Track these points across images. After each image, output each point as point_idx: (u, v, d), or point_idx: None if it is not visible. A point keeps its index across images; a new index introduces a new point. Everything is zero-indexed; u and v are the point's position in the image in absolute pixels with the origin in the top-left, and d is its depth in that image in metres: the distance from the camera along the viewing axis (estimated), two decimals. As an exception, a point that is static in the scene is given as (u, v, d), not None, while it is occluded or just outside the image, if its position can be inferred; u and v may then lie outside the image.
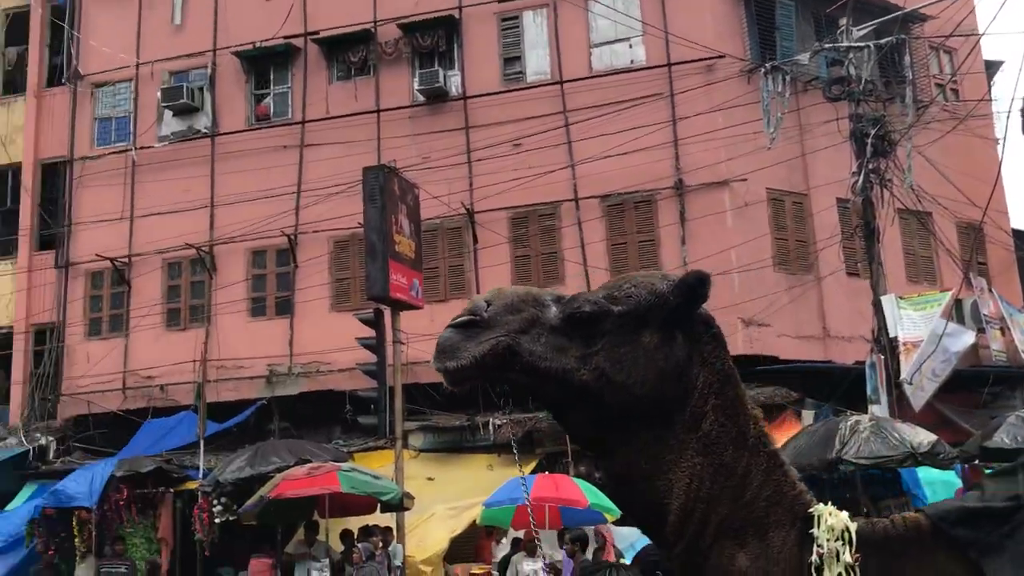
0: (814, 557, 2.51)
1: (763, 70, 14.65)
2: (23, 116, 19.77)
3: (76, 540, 13.40)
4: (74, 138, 19.23)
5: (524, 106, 16.51)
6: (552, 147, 16.11)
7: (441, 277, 16.57)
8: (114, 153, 18.91)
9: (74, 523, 13.42)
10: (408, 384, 13.97)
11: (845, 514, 2.58)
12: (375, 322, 13.08)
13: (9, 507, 15.44)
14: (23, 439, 17.44)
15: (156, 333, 17.89)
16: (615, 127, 15.49)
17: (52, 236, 19.24)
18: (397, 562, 11.51)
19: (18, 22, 20.43)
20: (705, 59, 15.77)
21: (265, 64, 18.55)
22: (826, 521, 2.55)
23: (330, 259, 17.31)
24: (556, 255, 16.31)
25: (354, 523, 12.03)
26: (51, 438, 17.65)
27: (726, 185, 15.51)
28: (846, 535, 2.52)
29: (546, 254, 16.43)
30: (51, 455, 17.34)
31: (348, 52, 17.78)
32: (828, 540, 2.53)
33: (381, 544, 11.38)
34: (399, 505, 11.58)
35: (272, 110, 18.48)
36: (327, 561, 11.48)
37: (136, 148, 18.68)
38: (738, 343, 13.96)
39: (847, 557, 2.49)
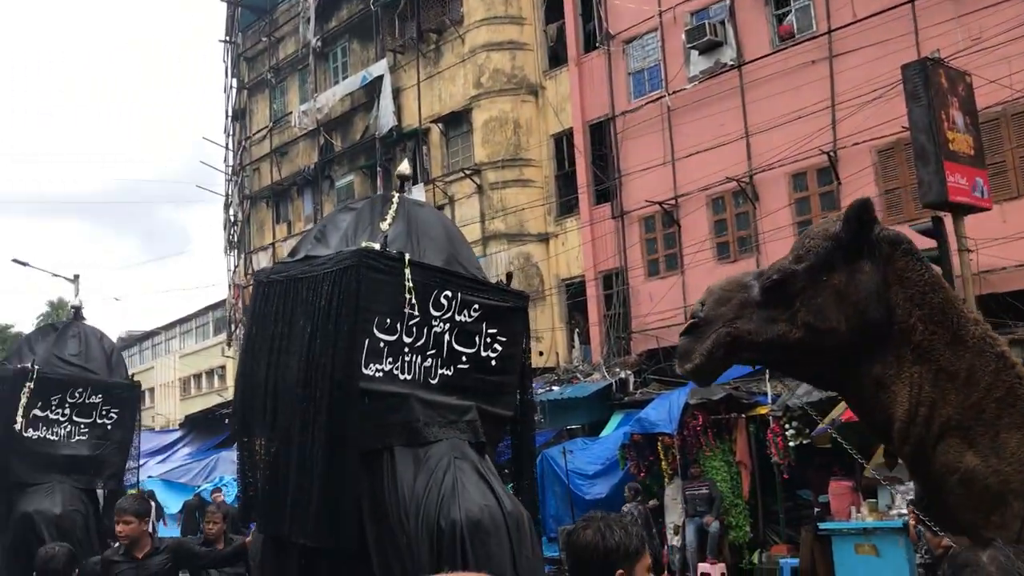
0: None
1: None
2: (568, 85, 21.81)
3: (662, 463, 14.58)
4: (613, 95, 20.68)
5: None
6: None
7: (1010, 171, 14.60)
8: (650, 103, 19.94)
9: (659, 448, 14.61)
10: (982, 295, 12.61)
11: None
12: (935, 232, 11.94)
13: (603, 434, 17.35)
14: (605, 374, 19.42)
15: (708, 268, 18.56)
16: None
17: (606, 190, 21.00)
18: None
19: (554, 1, 22.53)
20: None
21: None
22: None
23: (875, 171, 16.30)
24: None
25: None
26: (628, 372, 19.40)
27: None
28: None
29: None
30: (630, 387, 19.06)
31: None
32: None
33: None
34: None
35: (795, 27, 17.91)
36: (911, 485, 10.91)
37: (669, 94, 19.48)
38: None
39: None
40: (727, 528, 13.78)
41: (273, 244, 27.31)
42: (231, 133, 29.99)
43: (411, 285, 4.11)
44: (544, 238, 22.18)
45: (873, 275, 2.74)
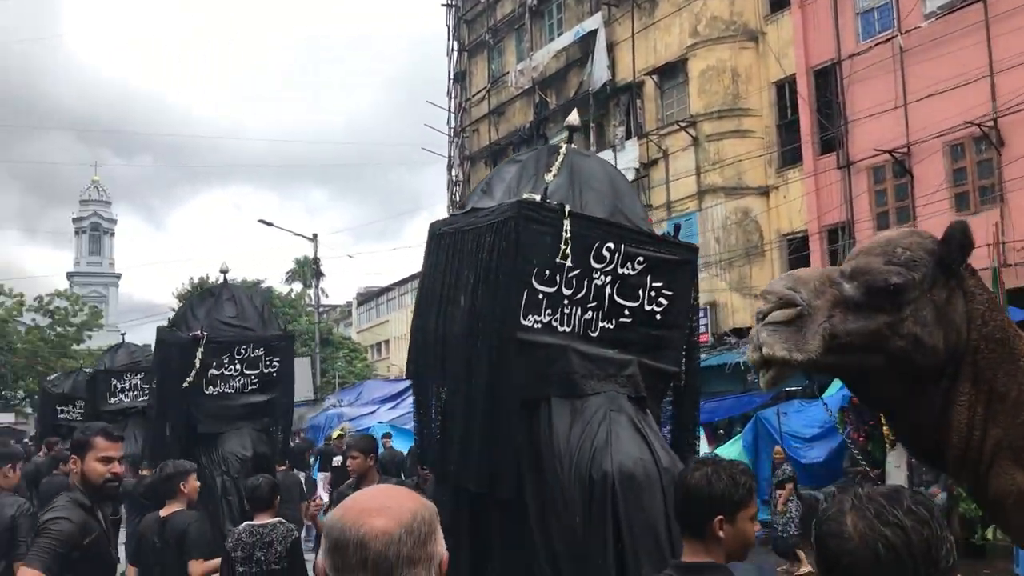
0: None
1: None
2: (791, 29, 20.68)
3: (884, 428, 13.73)
4: (839, 38, 19.41)
5: None
6: None
7: None
8: (880, 44, 18.55)
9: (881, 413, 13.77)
10: None
11: None
12: None
13: (825, 395, 16.58)
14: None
15: (944, 220, 17.02)
16: None
17: (831, 138, 19.83)
18: None
19: (776, -60, 21.39)
20: None
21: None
22: None
23: None
24: None
25: None
26: (853, 332, 18.38)
27: None
28: None
29: None
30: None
31: None
32: None
33: None
34: None
35: (1051, -52, 15.98)
36: None
37: (901, 33, 18.03)
38: None
39: None
40: (956, 500, 12.80)
41: (492, 202, 28.08)
42: (453, 95, 30.92)
43: (568, 236, 4.07)
44: (764, 191, 21.33)
45: (961, 296, 2.70)
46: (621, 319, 4.28)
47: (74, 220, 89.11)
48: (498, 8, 28.94)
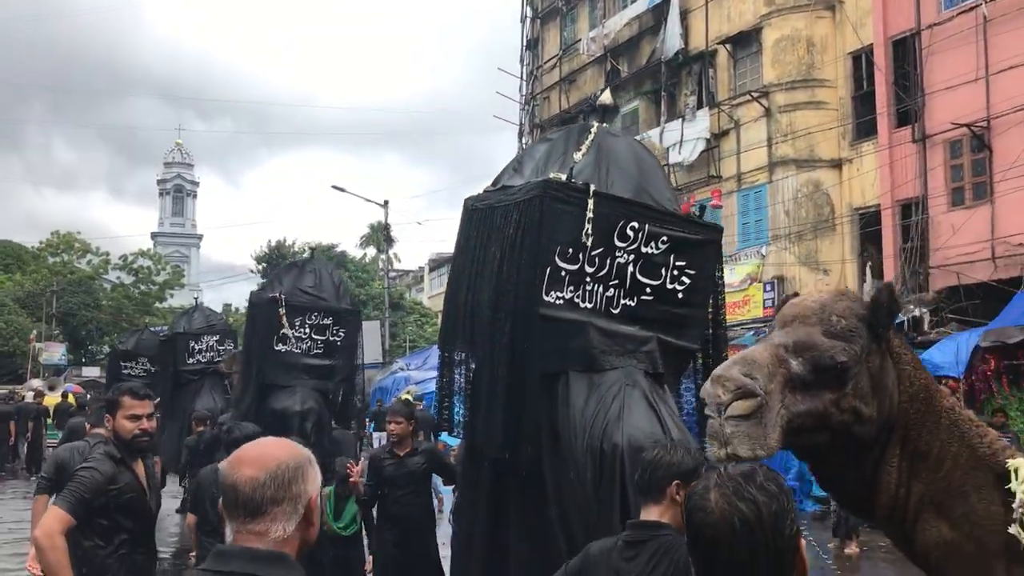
0: (1016, 511, 2.48)
1: None
2: (870, -3, 20.12)
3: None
4: (920, 7, 18.80)
5: None
6: None
7: None
8: (962, 13, 17.93)
9: (944, 392, 13.50)
10: None
11: None
12: None
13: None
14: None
15: (1023, 196, 16.62)
16: None
17: (907, 111, 19.29)
18: None
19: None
20: None
21: None
22: (1020, 474, 2.52)
23: None
24: None
25: None
26: (924, 310, 17.98)
27: None
28: None
29: None
30: (924, 326, 17.69)
31: None
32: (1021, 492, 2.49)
33: None
34: None
35: None
36: None
37: (986, 1, 17.39)
38: None
39: None
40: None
41: (561, 171, 28.09)
42: (525, 63, 30.88)
43: (591, 215, 4.18)
44: (836, 164, 20.90)
45: (889, 359, 2.70)
46: (643, 297, 4.38)
47: (158, 181, 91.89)
48: (572, -26, 28.73)
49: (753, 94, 21.60)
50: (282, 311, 8.69)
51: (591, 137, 4.62)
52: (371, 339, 27.92)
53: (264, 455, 2.00)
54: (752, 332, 19.09)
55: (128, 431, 4.33)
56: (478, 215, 4.68)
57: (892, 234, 19.49)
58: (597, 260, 4.27)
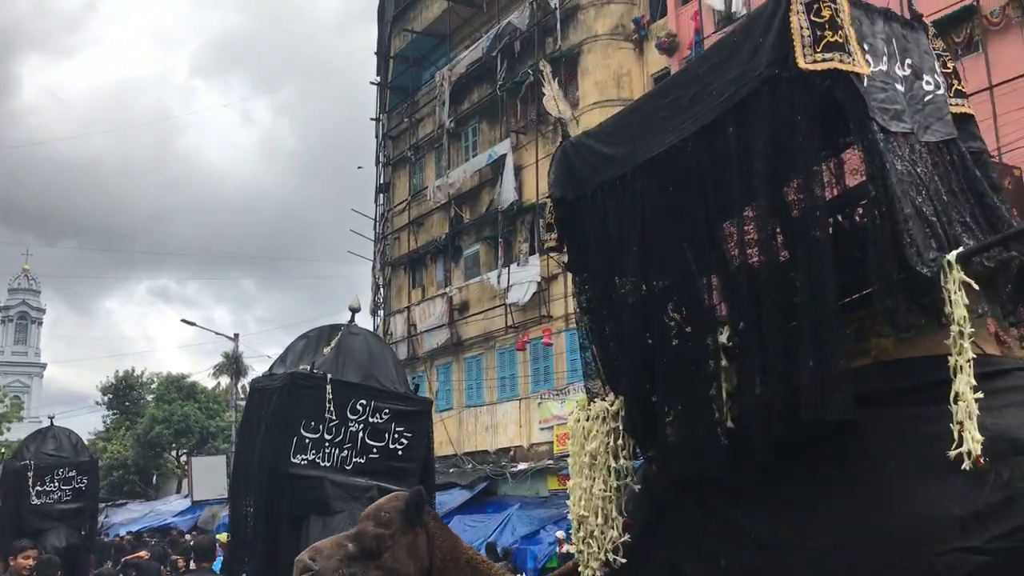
0: None
1: None
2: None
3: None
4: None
5: None
6: None
7: None
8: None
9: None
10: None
11: None
12: None
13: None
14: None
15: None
16: None
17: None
18: None
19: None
20: None
21: None
22: None
23: None
24: None
25: None
26: None
27: None
28: None
29: None
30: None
31: None
32: None
33: None
34: None
35: None
36: None
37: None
38: None
39: None
40: None
41: (408, 307, 29.75)
42: (378, 204, 32.90)
43: (331, 397, 5.74)
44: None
45: (424, 534, 4.10)
46: (370, 455, 5.94)
47: (0, 308, 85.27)
48: (420, 128, 31.21)
49: (577, 243, 23.92)
50: (30, 474, 11.16)
51: (338, 336, 6.23)
52: (217, 474, 28.18)
53: None
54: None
55: None
56: (256, 394, 6.18)
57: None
58: (334, 429, 5.82)
